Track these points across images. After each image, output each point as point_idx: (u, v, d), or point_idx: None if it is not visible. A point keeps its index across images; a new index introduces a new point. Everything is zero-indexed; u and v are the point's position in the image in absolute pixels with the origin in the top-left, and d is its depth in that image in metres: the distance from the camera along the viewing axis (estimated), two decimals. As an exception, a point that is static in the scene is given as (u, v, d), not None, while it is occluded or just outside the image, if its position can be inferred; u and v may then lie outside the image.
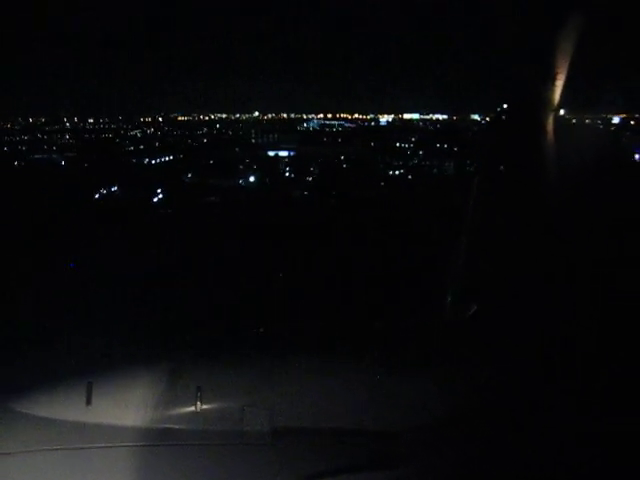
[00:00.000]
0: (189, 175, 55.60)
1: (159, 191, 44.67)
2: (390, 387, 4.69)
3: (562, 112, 6.24)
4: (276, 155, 69.28)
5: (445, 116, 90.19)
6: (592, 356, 4.83)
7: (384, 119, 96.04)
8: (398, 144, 68.76)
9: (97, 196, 43.54)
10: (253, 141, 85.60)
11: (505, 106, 7.09)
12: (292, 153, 69.05)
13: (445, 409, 4.64)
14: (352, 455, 4.42)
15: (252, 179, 54.44)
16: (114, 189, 45.94)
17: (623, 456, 4.29)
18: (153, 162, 66.74)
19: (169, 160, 67.24)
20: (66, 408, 4.33)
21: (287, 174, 58.32)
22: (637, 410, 4.55)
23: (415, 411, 4.61)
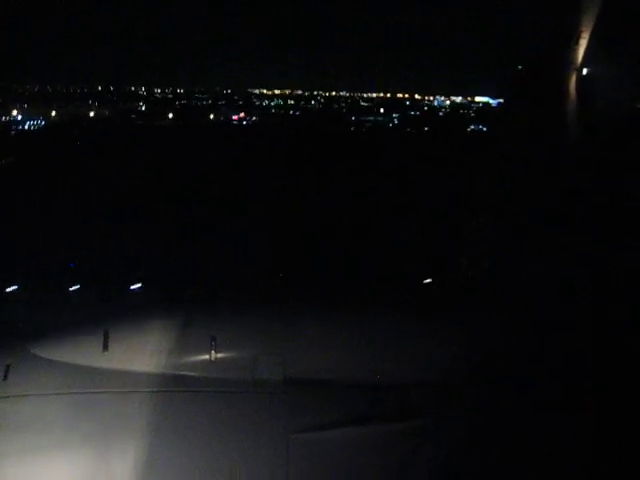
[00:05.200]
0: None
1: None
2: (402, 342, 4.73)
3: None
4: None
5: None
6: (596, 313, 4.80)
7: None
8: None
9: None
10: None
11: (520, 67, 6.84)
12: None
13: (456, 366, 4.66)
14: (361, 406, 4.49)
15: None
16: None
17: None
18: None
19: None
20: (83, 354, 4.47)
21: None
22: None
23: (426, 366, 4.65)
